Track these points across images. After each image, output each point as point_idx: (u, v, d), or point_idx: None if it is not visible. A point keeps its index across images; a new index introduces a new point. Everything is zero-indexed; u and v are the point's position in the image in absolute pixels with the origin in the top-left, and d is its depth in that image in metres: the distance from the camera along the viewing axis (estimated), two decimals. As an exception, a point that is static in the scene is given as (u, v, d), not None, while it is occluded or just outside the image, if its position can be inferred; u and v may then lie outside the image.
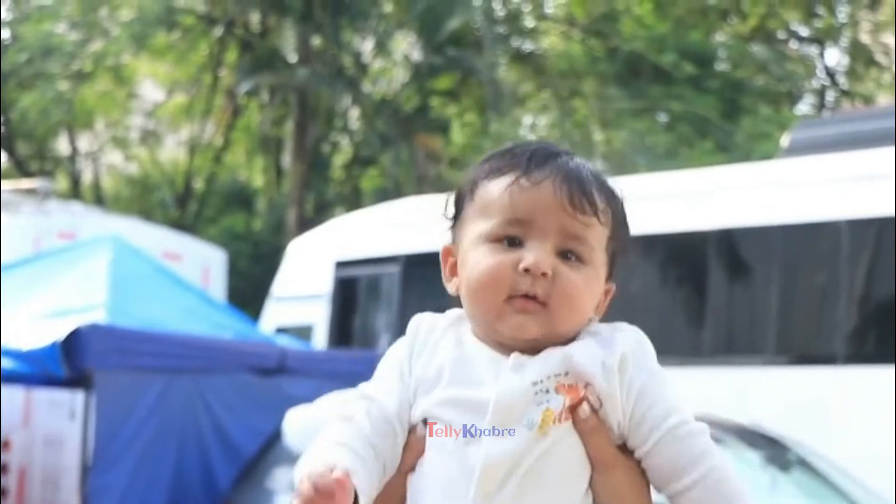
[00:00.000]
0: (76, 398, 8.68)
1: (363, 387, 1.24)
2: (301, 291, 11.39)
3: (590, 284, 1.20)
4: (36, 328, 7.39)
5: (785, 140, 9.88)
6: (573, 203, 1.17)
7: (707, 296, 9.17)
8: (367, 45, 20.76)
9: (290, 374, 8.26)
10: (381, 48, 20.85)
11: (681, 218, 8.93)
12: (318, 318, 11.11)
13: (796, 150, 9.12)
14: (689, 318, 9.58)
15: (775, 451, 6.78)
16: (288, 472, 5.56)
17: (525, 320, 1.16)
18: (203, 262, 12.38)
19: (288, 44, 21.16)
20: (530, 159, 1.21)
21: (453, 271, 1.26)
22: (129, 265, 8.63)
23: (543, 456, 1.14)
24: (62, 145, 24.82)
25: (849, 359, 8.29)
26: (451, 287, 1.27)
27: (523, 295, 1.16)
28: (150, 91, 24.44)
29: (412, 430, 1.19)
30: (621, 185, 1.29)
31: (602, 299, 1.24)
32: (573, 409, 1.14)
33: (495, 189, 1.20)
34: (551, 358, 1.16)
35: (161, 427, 7.68)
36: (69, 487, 9.04)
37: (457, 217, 1.27)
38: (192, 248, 12.99)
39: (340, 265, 11.20)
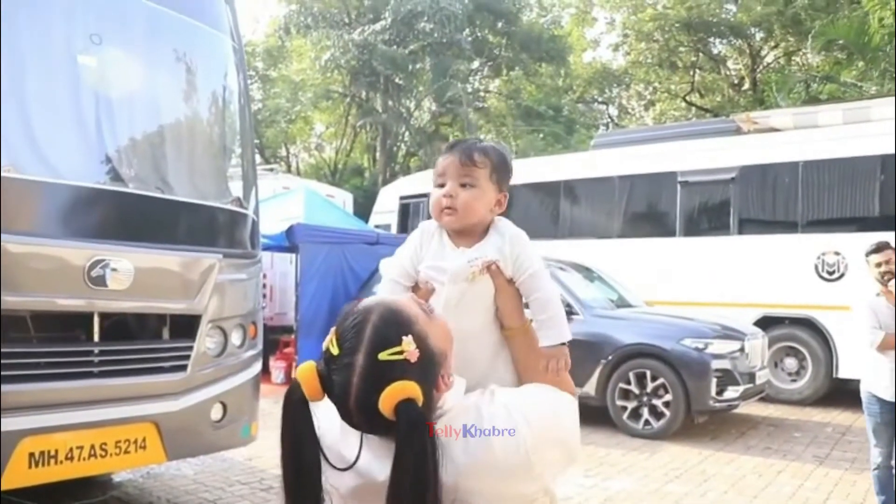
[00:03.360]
0: (292, 256, 10.58)
1: (398, 255, 1.71)
2: (385, 209, 13.56)
3: (477, 198, 1.65)
4: (277, 225, 9.33)
5: (592, 143, 12.82)
6: (462, 162, 1.65)
7: (560, 214, 11.33)
8: (412, 104, 26.61)
9: (381, 245, 9.78)
10: (418, 105, 27.15)
11: (548, 175, 11.29)
12: (392, 221, 13.23)
13: (597, 147, 12.24)
14: (569, 220, 11.21)
15: (588, 273, 9.03)
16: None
17: (449, 220, 1.66)
18: (343, 199, 14.48)
19: (378, 103, 25.94)
20: (451, 146, 1.69)
21: None
22: (312, 199, 10.77)
23: (474, 289, 1.64)
24: (282, 151, 30.83)
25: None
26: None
27: (446, 207, 1.65)
28: (319, 126, 31.32)
29: (418, 280, 1.66)
30: (508, 152, 1.72)
31: (499, 202, 1.69)
32: (487, 268, 1.63)
33: (438, 161, 1.70)
34: (475, 249, 1.66)
35: (327, 268, 9.60)
36: (290, 294, 11.22)
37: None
38: (338, 192, 15.12)
39: (402, 197, 13.26)
